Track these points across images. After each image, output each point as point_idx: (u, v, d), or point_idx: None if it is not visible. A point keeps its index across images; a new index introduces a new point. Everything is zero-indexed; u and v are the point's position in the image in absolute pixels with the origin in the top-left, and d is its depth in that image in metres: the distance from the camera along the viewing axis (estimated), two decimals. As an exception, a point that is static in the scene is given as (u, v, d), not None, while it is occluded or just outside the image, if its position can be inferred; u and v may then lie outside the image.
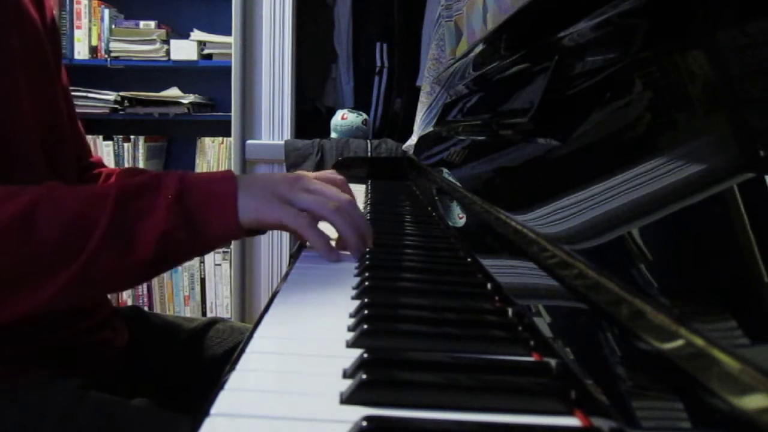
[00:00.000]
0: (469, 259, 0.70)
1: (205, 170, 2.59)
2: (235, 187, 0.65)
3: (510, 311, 0.51)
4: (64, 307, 0.64)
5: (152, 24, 2.55)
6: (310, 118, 2.58)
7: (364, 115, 2.46)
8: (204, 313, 2.57)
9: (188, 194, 0.63)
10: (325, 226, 0.71)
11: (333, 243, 0.72)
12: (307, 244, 0.75)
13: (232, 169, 2.40)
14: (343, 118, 2.43)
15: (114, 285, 0.67)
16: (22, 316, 0.61)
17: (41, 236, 0.58)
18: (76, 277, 0.59)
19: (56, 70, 0.84)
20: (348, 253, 0.71)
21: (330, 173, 0.84)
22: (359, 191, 1.23)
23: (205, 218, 0.64)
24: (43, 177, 0.75)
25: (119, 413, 0.68)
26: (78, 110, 1.01)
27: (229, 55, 2.36)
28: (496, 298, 0.56)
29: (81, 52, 2.54)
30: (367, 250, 0.71)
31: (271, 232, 1.52)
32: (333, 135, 2.44)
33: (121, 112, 2.55)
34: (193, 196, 0.63)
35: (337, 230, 0.70)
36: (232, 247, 2.45)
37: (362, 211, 0.73)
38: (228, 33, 2.38)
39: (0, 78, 0.70)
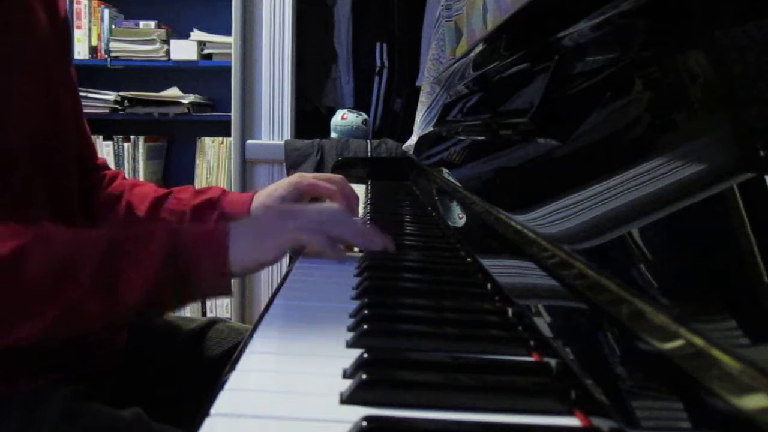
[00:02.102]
0: (469, 259, 0.70)
1: (204, 170, 2.59)
2: (226, 241, 0.64)
3: (510, 311, 0.51)
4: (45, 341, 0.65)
5: (152, 24, 2.55)
6: (310, 118, 2.58)
7: (364, 115, 2.46)
8: (204, 313, 2.57)
9: (179, 251, 0.63)
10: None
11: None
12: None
13: (232, 169, 2.41)
14: (343, 118, 2.42)
15: (96, 327, 0.68)
16: (7, 346, 0.62)
17: (27, 279, 0.59)
18: (57, 321, 0.60)
19: (63, 72, 0.84)
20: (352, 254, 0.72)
21: (328, 177, 0.86)
22: (359, 191, 1.23)
23: (195, 277, 0.63)
24: (40, 179, 0.75)
25: (109, 428, 0.68)
26: (79, 110, 1.00)
27: (229, 55, 2.36)
28: (496, 298, 0.56)
29: (81, 52, 2.54)
30: (367, 250, 0.71)
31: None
32: (333, 135, 2.44)
33: (121, 112, 2.55)
34: (184, 253, 0.63)
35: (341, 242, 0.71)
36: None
37: (350, 217, 0.74)
38: (228, 33, 2.38)
39: None
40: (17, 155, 0.72)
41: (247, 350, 0.44)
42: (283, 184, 0.95)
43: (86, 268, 0.60)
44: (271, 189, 0.95)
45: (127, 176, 1.06)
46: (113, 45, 2.53)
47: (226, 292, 0.66)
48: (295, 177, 0.96)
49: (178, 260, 0.63)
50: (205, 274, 0.64)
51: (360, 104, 2.60)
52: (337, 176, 0.97)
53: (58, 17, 0.83)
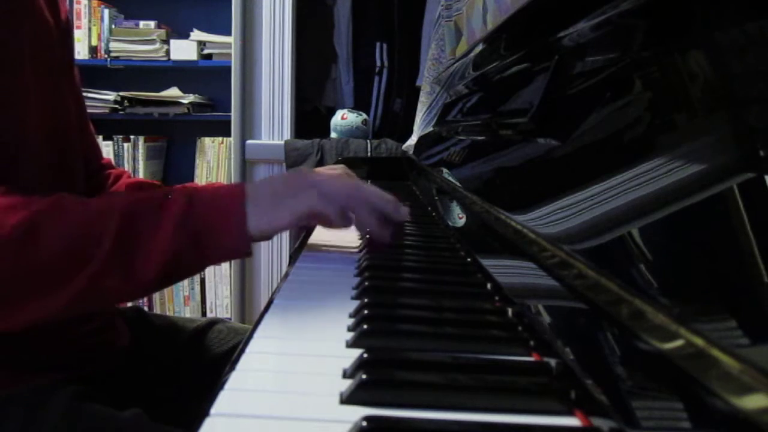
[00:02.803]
0: (469, 259, 0.70)
1: (204, 170, 2.59)
2: (243, 202, 0.63)
3: (510, 311, 0.51)
4: (69, 317, 0.64)
5: (152, 24, 2.55)
6: (310, 118, 2.58)
7: (364, 115, 2.46)
8: (204, 314, 2.57)
9: (195, 213, 0.62)
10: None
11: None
12: (309, 241, 0.76)
13: (232, 169, 2.41)
14: (343, 118, 2.42)
15: (119, 299, 0.66)
16: (24, 327, 0.61)
17: (45, 248, 0.57)
18: (81, 292, 0.58)
19: (67, 72, 0.84)
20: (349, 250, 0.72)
21: (328, 167, 0.86)
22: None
23: (213, 238, 0.62)
24: (48, 179, 0.75)
25: (110, 429, 0.68)
26: (79, 110, 1.01)
27: (229, 55, 2.36)
28: (496, 298, 0.56)
29: (81, 52, 2.54)
30: (366, 250, 0.71)
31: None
32: (333, 135, 2.44)
33: (120, 112, 2.54)
34: (201, 216, 0.62)
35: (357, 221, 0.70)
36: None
37: (368, 190, 0.71)
38: (228, 33, 2.38)
39: (9, 80, 0.70)
40: (28, 155, 0.73)
41: (247, 350, 0.44)
42: None
43: (104, 235, 0.59)
44: None
45: (126, 176, 1.06)
46: (113, 45, 2.53)
47: (246, 254, 0.65)
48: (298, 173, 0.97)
49: (194, 224, 0.61)
50: (223, 237, 0.63)
51: (360, 104, 2.60)
52: (338, 166, 0.98)
53: (60, 18, 0.83)
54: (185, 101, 2.52)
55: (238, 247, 0.64)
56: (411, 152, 1.58)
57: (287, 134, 2.41)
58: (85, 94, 2.74)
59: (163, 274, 0.61)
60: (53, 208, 0.59)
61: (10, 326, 0.61)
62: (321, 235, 0.85)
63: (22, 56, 0.72)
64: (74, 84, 0.87)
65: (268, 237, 0.66)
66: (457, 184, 0.86)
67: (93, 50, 2.56)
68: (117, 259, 0.59)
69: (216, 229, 0.62)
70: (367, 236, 0.74)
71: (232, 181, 2.42)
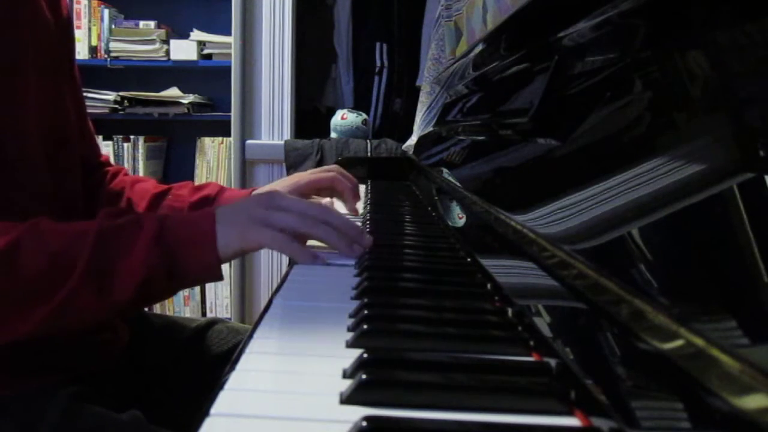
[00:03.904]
0: (469, 259, 0.70)
1: (204, 170, 2.59)
2: (213, 224, 0.65)
3: (510, 311, 0.51)
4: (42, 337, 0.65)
5: (152, 24, 2.55)
6: (310, 118, 2.58)
7: (364, 115, 2.46)
8: (204, 314, 2.57)
9: (168, 235, 0.63)
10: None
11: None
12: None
13: (232, 169, 2.41)
14: (342, 118, 2.42)
15: (94, 319, 0.67)
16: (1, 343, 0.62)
17: (22, 272, 0.59)
18: (53, 314, 0.60)
19: (68, 71, 0.84)
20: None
21: (323, 169, 0.86)
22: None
23: (185, 260, 0.63)
24: (43, 179, 0.75)
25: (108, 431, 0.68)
26: (79, 110, 1.01)
27: (229, 55, 2.36)
28: (496, 298, 0.56)
29: (81, 52, 2.54)
30: (367, 250, 0.71)
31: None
32: (333, 135, 2.44)
33: (120, 112, 2.54)
34: (173, 238, 0.63)
35: (323, 242, 0.70)
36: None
37: (341, 214, 0.73)
38: (228, 33, 2.38)
39: (8, 79, 0.70)
40: (28, 155, 0.73)
41: (247, 350, 0.44)
42: (283, 182, 0.96)
43: (79, 257, 0.60)
44: (269, 188, 0.96)
45: (126, 176, 1.06)
46: (113, 45, 2.53)
47: (216, 277, 0.66)
48: (295, 176, 0.97)
49: (167, 243, 0.63)
50: (194, 260, 0.64)
51: (360, 104, 2.60)
52: (333, 166, 0.99)
53: (61, 16, 0.83)
54: (185, 101, 2.52)
55: (209, 267, 0.65)
56: (411, 152, 1.58)
57: (287, 134, 2.41)
58: (85, 94, 2.74)
59: (137, 294, 0.62)
60: (31, 232, 0.61)
61: None
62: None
63: (22, 55, 0.72)
64: (74, 83, 0.87)
65: (238, 255, 0.67)
66: (457, 184, 0.86)
67: (93, 50, 2.56)
68: (92, 279, 0.60)
69: (187, 248, 0.63)
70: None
71: (233, 181, 2.42)
